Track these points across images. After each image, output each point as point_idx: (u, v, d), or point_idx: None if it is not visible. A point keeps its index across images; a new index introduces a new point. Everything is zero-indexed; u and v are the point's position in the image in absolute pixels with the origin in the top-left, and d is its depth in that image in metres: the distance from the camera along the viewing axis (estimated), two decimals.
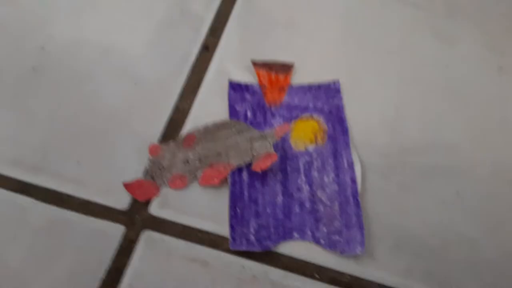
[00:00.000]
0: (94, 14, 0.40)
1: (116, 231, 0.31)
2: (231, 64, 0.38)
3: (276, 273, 0.30)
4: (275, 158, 0.32)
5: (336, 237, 0.30)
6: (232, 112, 0.35)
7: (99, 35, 0.39)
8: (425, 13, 0.41)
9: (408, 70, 0.38)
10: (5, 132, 0.34)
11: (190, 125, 0.35)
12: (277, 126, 0.33)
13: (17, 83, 0.36)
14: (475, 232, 0.31)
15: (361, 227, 0.30)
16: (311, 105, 0.36)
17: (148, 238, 0.31)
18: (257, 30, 0.40)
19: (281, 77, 0.37)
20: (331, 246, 0.30)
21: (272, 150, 0.32)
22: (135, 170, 0.33)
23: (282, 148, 0.34)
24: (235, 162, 0.32)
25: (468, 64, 0.39)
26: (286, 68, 0.37)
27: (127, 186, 0.32)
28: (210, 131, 0.34)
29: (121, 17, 0.40)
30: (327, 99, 0.36)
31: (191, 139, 0.34)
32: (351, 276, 0.30)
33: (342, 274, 0.30)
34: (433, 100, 0.37)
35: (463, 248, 0.31)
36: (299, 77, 0.38)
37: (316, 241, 0.31)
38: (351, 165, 0.33)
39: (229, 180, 0.32)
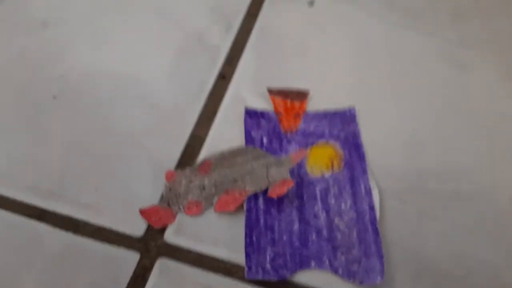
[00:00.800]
0: (114, 44, 0.41)
1: (130, 258, 0.31)
2: (247, 92, 0.39)
3: None
4: (291, 184, 0.31)
5: (355, 267, 0.30)
6: (248, 138, 0.35)
7: (118, 64, 0.40)
8: (439, 41, 0.41)
9: (423, 96, 0.38)
10: (23, 157, 0.35)
11: (206, 151, 0.35)
12: (293, 152, 0.33)
13: (38, 110, 0.37)
14: (498, 258, 0.30)
15: (380, 256, 0.30)
16: (327, 131, 0.36)
17: (162, 266, 0.30)
18: (272, 59, 0.41)
19: (297, 104, 0.37)
20: (349, 276, 0.29)
21: (288, 176, 0.32)
22: (151, 196, 0.33)
23: (298, 174, 0.34)
24: (251, 188, 0.32)
25: (484, 90, 0.38)
26: (301, 95, 0.38)
27: (143, 213, 0.32)
28: (226, 158, 0.34)
29: (139, 47, 0.41)
30: (343, 125, 0.36)
31: (207, 165, 0.34)
32: None
33: None
34: (450, 125, 0.37)
35: (486, 276, 0.30)
36: (315, 104, 0.38)
37: (334, 271, 0.30)
38: (368, 192, 0.32)
39: (245, 206, 0.32)
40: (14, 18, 0.43)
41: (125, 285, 0.30)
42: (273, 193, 0.31)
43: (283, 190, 0.31)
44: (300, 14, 0.44)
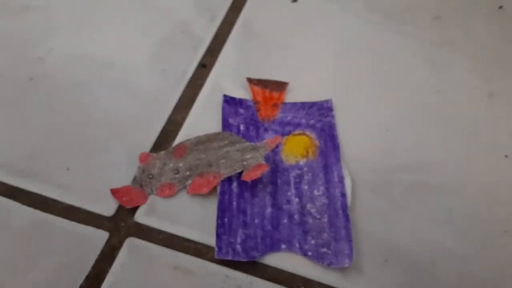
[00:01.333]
0: (96, 30, 0.41)
1: (99, 237, 0.30)
2: (227, 81, 0.39)
3: (261, 284, 0.29)
4: (265, 168, 0.31)
5: (324, 250, 0.30)
6: (225, 125, 0.35)
7: (99, 49, 0.40)
8: (417, 41, 0.42)
9: (399, 93, 0.39)
10: None
11: (182, 137, 0.35)
12: (269, 138, 0.33)
13: (13, 92, 0.37)
14: (465, 249, 0.31)
15: (349, 240, 0.30)
16: (303, 121, 0.36)
17: (131, 245, 0.30)
18: (253, 51, 0.41)
19: (275, 94, 0.38)
20: (318, 258, 0.29)
21: (263, 161, 0.32)
22: (124, 178, 0.33)
23: (273, 161, 0.34)
24: (225, 172, 0.32)
25: (459, 89, 0.39)
26: (280, 86, 0.38)
27: (114, 192, 0.32)
28: (202, 142, 0.34)
29: (122, 34, 0.41)
30: (319, 116, 0.36)
31: (183, 149, 0.34)
32: None
33: (329, 287, 0.29)
34: (424, 122, 0.37)
35: (453, 265, 0.30)
36: (293, 97, 0.38)
37: (304, 253, 0.30)
38: (341, 180, 0.33)
39: (218, 189, 0.32)
40: None
41: (92, 262, 0.29)
42: (247, 177, 0.31)
43: (257, 174, 0.31)
44: (283, 10, 0.45)
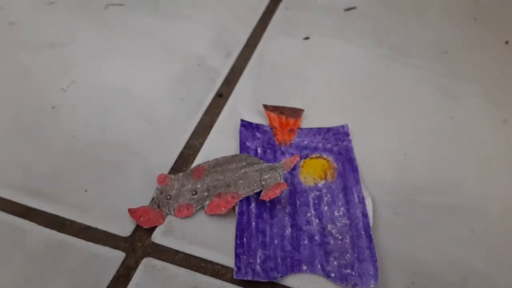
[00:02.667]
0: (117, 63, 0.43)
1: (115, 257, 0.30)
2: (243, 109, 0.40)
3: None
4: (284, 187, 0.31)
5: (348, 271, 0.29)
6: (243, 148, 0.35)
7: (120, 80, 0.41)
8: (427, 73, 0.44)
9: (414, 119, 0.39)
10: (17, 161, 0.35)
11: (200, 160, 0.35)
12: (287, 158, 0.33)
13: (36, 119, 0.38)
14: (491, 268, 0.29)
15: (374, 260, 0.29)
16: (320, 146, 0.36)
17: (147, 265, 0.29)
18: (268, 83, 0.42)
19: (291, 120, 0.38)
20: (342, 279, 0.28)
21: (282, 180, 0.32)
22: (142, 199, 0.33)
23: (292, 183, 0.34)
24: (243, 192, 0.32)
25: (473, 116, 0.40)
26: (296, 113, 0.39)
27: (132, 212, 0.31)
28: (220, 164, 0.34)
29: (143, 67, 0.43)
30: (336, 141, 0.36)
31: (201, 171, 0.34)
32: None
33: None
34: (440, 146, 0.37)
35: (479, 282, 0.29)
36: (309, 123, 0.39)
37: (326, 275, 0.29)
38: (361, 200, 0.32)
39: (236, 210, 0.31)
40: (22, 38, 0.45)
41: (107, 283, 0.28)
42: (266, 196, 0.31)
43: (276, 192, 0.31)
44: (295, 46, 0.47)
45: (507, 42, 0.47)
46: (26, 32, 0.45)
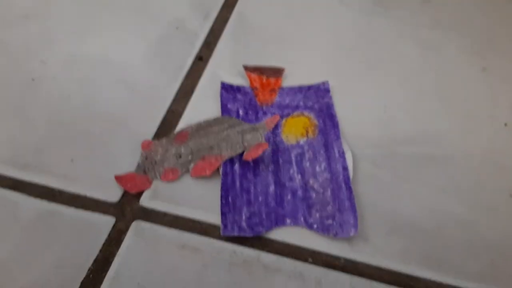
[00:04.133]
0: (94, 33, 0.42)
1: (106, 222, 0.31)
2: (224, 71, 0.40)
3: (268, 258, 0.29)
4: (265, 146, 0.32)
5: (329, 221, 0.30)
6: (224, 110, 0.36)
7: (98, 50, 0.41)
8: (408, 25, 0.43)
9: (396, 73, 0.40)
10: (3, 135, 0.35)
11: (183, 125, 0.36)
12: (267, 118, 0.34)
13: (17, 92, 0.38)
14: (470, 214, 0.31)
15: (354, 211, 0.30)
16: (301, 104, 0.37)
17: (137, 228, 0.30)
18: (248, 44, 0.42)
19: (272, 80, 0.38)
20: (324, 230, 0.30)
21: (263, 140, 0.32)
22: (128, 166, 0.34)
23: (274, 142, 0.34)
24: (227, 154, 0.33)
25: (454, 67, 0.40)
26: (276, 72, 0.39)
27: (119, 179, 0.32)
28: (203, 127, 0.34)
29: (119, 35, 0.43)
30: (317, 98, 0.37)
31: (184, 135, 0.34)
32: (345, 259, 0.29)
33: (336, 258, 0.29)
34: (422, 98, 0.38)
35: (459, 230, 0.30)
36: (290, 82, 0.39)
37: (309, 226, 0.30)
38: (342, 155, 0.33)
39: (221, 171, 0.32)
40: None
41: (100, 247, 0.29)
42: (249, 156, 0.32)
43: (258, 152, 0.32)
44: (275, 3, 0.46)
45: None
46: (0, 6, 0.44)
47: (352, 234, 0.29)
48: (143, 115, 0.37)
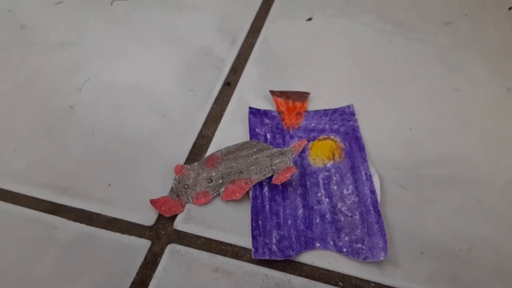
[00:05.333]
0: (126, 60, 0.45)
1: (142, 245, 0.32)
2: (251, 96, 0.41)
3: (299, 282, 0.30)
4: (294, 170, 0.33)
5: (359, 245, 0.30)
6: (253, 134, 0.37)
7: (130, 77, 0.43)
8: (431, 46, 0.44)
9: (419, 94, 0.40)
10: (42, 159, 0.37)
11: (213, 149, 0.37)
12: (295, 142, 0.35)
13: (56, 119, 0.40)
14: (498, 236, 0.31)
15: (383, 234, 0.30)
16: (327, 127, 0.37)
17: (172, 251, 0.31)
18: (274, 68, 0.44)
19: (298, 104, 0.39)
20: (353, 254, 0.30)
21: (291, 164, 0.33)
22: (162, 190, 0.35)
23: (302, 165, 0.35)
24: (256, 177, 0.34)
25: (477, 87, 0.40)
26: (302, 96, 0.40)
27: (154, 203, 0.33)
28: (232, 152, 0.36)
29: (150, 62, 0.44)
30: (342, 121, 0.38)
31: (214, 159, 0.36)
32: (375, 283, 0.29)
33: (366, 282, 0.29)
34: (445, 118, 0.38)
35: (487, 252, 0.30)
36: (315, 105, 0.40)
37: (339, 250, 0.31)
38: (369, 178, 0.34)
39: (250, 194, 0.33)
40: (34, 41, 0.46)
41: (137, 269, 0.31)
42: (277, 180, 0.33)
43: (287, 176, 0.33)
44: (299, 28, 0.47)
45: (510, 8, 0.47)
46: (37, 34, 0.47)
47: (382, 257, 0.30)
48: (174, 140, 0.38)
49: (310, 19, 0.48)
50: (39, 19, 0.48)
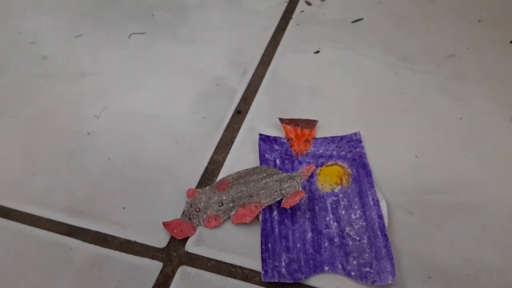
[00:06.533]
0: (143, 88, 0.47)
1: (154, 267, 0.33)
2: (261, 124, 0.43)
3: None
4: (303, 194, 0.34)
5: (367, 269, 0.31)
6: (263, 160, 0.38)
7: (146, 104, 0.45)
8: (435, 77, 0.46)
9: (424, 124, 0.42)
10: (59, 183, 0.38)
11: (224, 173, 0.38)
12: (304, 168, 0.36)
13: (74, 145, 0.42)
14: (504, 261, 0.31)
15: (391, 258, 0.31)
16: (335, 153, 0.39)
17: (183, 273, 0.32)
18: (283, 98, 0.45)
19: (306, 131, 0.41)
20: (362, 277, 0.31)
21: (300, 188, 0.34)
22: (174, 213, 0.36)
23: (310, 190, 0.36)
24: (265, 201, 0.35)
25: (480, 116, 0.42)
26: (310, 124, 0.41)
27: (166, 225, 0.34)
28: (242, 176, 0.37)
29: (166, 90, 0.47)
30: (349, 148, 0.39)
31: (225, 184, 0.37)
32: None
33: None
34: (450, 146, 0.39)
35: (493, 277, 0.30)
36: (323, 133, 0.41)
37: (347, 274, 0.31)
38: (376, 203, 0.34)
39: (260, 218, 0.34)
40: (54, 71, 0.49)
41: None
42: (287, 204, 0.34)
43: (296, 200, 0.34)
44: (307, 60, 0.49)
45: (511, 42, 0.48)
46: (58, 64, 0.50)
47: (390, 281, 0.30)
48: (187, 165, 0.39)
49: (317, 51, 0.50)
50: (59, 51, 0.51)
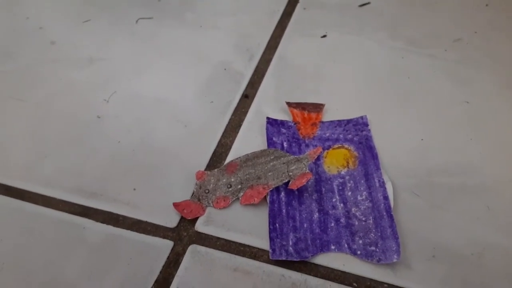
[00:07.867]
0: (151, 72, 0.47)
1: (165, 246, 0.34)
2: (268, 107, 0.43)
3: (315, 282, 0.31)
4: (309, 176, 0.34)
5: (372, 248, 0.32)
6: (270, 143, 0.39)
7: (154, 90, 0.46)
8: (441, 61, 0.46)
9: (429, 106, 0.42)
10: (71, 165, 0.39)
11: (232, 156, 0.39)
12: (311, 150, 0.37)
13: (85, 128, 0.42)
14: (507, 242, 0.32)
15: (396, 238, 0.32)
16: (341, 137, 0.39)
17: (193, 252, 0.33)
18: (290, 82, 0.46)
19: (313, 115, 0.41)
20: (367, 256, 0.31)
21: (307, 170, 0.35)
22: (184, 194, 0.37)
23: (317, 172, 0.37)
24: (273, 183, 0.35)
25: (486, 99, 0.42)
26: (317, 108, 0.42)
27: (176, 206, 0.35)
28: (250, 159, 0.38)
29: (173, 75, 0.47)
30: (356, 131, 0.39)
31: (234, 166, 0.37)
32: (389, 285, 0.31)
33: (380, 283, 0.31)
34: (456, 129, 0.40)
35: (498, 257, 0.31)
36: (330, 116, 0.42)
37: (353, 253, 0.32)
38: (382, 184, 0.35)
39: (268, 199, 0.35)
40: (63, 56, 0.49)
41: (160, 268, 0.32)
42: (294, 185, 0.34)
43: (303, 182, 0.34)
44: (314, 44, 0.49)
45: None
46: (67, 49, 0.50)
47: (394, 260, 0.31)
48: (196, 148, 0.40)
49: (324, 36, 0.50)
50: (68, 36, 0.51)
